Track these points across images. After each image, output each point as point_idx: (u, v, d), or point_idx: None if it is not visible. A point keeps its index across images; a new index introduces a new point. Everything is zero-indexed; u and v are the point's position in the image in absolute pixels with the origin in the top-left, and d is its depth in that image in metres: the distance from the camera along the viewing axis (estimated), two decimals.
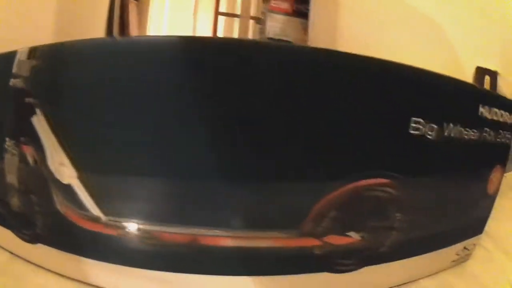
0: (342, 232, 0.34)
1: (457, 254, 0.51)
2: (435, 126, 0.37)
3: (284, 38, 0.77)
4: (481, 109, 0.47)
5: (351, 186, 0.33)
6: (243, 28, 0.80)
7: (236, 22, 0.84)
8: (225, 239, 0.31)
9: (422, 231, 0.42)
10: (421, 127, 0.36)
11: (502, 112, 0.51)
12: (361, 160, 0.34)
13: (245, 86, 0.31)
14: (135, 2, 0.70)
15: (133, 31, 0.70)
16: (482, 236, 0.55)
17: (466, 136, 0.44)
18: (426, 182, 0.40)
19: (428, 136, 0.37)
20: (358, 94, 0.34)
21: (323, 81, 0.33)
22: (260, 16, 0.82)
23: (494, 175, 0.54)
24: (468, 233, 0.52)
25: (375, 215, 0.35)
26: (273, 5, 0.77)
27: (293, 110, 0.32)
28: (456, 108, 0.42)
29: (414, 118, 0.35)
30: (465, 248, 0.52)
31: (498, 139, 0.51)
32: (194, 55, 0.30)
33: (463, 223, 0.51)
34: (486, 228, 0.55)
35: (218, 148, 0.30)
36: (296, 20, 0.79)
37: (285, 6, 0.77)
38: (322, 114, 0.32)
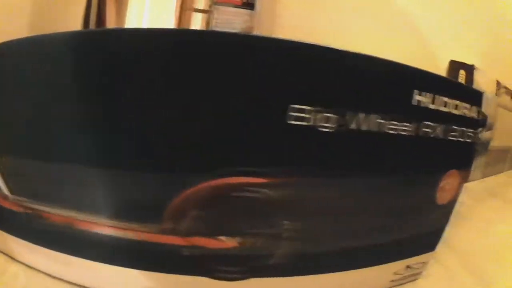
0: (212, 235, 0.29)
1: (397, 273, 0.40)
2: (332, 116, 0.28)
3: (231, 30, 0.71)
4: (417, 97, 0.36)
5: (214, 182, 0.27)
6: (186, 21, 0.73)
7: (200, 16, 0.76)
8: (96, 226, 0.30)
9: (335, 243, 0.34)
10: (308, 116, 0.27)
11: (458, 102, 0.40)
12: (227, 154, 0.27)
13: (99, 74, 0.28)
14: None
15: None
16: (444, 251, 0.48)
17: (392, 131, 0.32)
18: (327, 184, 0.31)
19: (322, 129, 0.28)
20: (218, 75, 0.27)
21: (175, 61, 0.26)
22: (207, 9, 0.75)
23: (447, 182, 0.44)
24: (411, 249, 0.41)
25: (252, 220, 0.29)
26: None
27: (145, 94, 0.27)
28: (370, 93, 0.31)
29: (294, 106, 0.27)
30: (408, 267, 0.41)
31: (451, 137, 0.39)
32: (71, 48, 0.29)
33: (402, 238, 0.39)
34: (452, 241, 0.51)
35: (87, 134, 0.29)
36: (244, 12, 0.74)
37: None
38: (180, 97, 0.27)
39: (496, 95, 0.92)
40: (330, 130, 0.28)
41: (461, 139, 0.40)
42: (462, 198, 0.76)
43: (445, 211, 0.43)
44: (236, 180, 0.27)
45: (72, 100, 0.29)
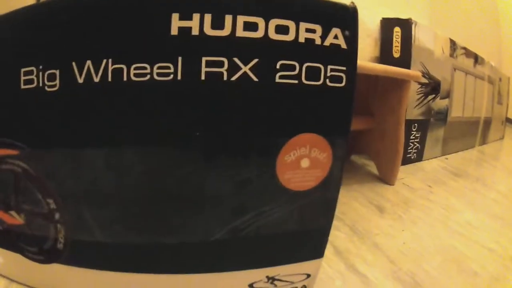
0: (6, 209, 0.24)
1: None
2: (55, 72, 0.19)
3: None
4: (177, 23, 0.19)
5: None
6: None
7: None
8: None
9: (125, 234, 0.22)
10: (35, 77, 0.20)
11: (288, 22, 0.21)
12: None
13: None
14: None
15: None
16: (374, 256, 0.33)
17: (140, 78, 0.19)
18: (78, 156, 0.21)
19: (48, 88, 0.20)
20: None
21: None
22: None
23: (300, 154, 0.24)
24: (268, 254, 0.25)
25: (20, 194, 0.23)
26: None
27: None
28: (95, 33, 0.19)
29: (24, 69, 0.20)
30: (271, 278, 0.25)
31: (281, 79, 0.21)
32: None
33: (245, 236, 0.24)
34: (393, 241, 0.35)
35: None
36: None
37: None
38: None
39: (452, 56, 0.67)
40: (53, 89, 0.20)
41: (311, 82, 0.22)
42: (412, 181, 0.53)
43: (314, 200, 0.25)
44: None
45: None
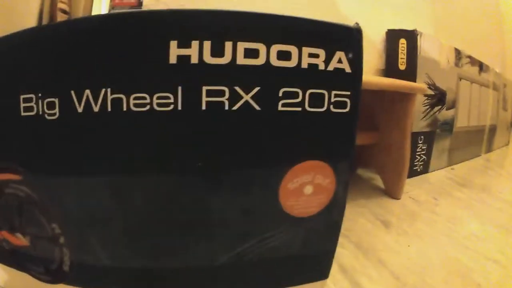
0: (11, 231, 0.25)
1: None
2: (54, 100, 0.19)
3: None
4: (176, 51, 0.18)
5: None
6: None
7: None
8: None
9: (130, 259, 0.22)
10: (34, 105, 0.20)
11: (290, 48, 0.20)
12: None
13: None
14: (65, 15, 0.55)
15: None
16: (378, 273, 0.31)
17: (139, 108, 0.19)
18: (80, 183, 0.21)
19: (48, 117, 0.20)
20: None
21: None
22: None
23: (304, 182, 0.23)
24: (271, 276, 0.24)
25: (25, 219, 0.24)
26: (117, 1, 0.56)
27: None
28: (96, 61, 0.19)
29: (24, 96, 0.20)
30: None
31: (285, 107, 0.20)
32: None
33: (250, 260, 0.23)
34: (399, 257, 0.34)
35: None
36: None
37: None
38: None
39: (457, 65, 0.66)
40: (53, 118, 0.19)
41: (314, 109, 0.21)
42: (417, 194, 0.52)
43: (318, 225, 0.24)
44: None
45: None
